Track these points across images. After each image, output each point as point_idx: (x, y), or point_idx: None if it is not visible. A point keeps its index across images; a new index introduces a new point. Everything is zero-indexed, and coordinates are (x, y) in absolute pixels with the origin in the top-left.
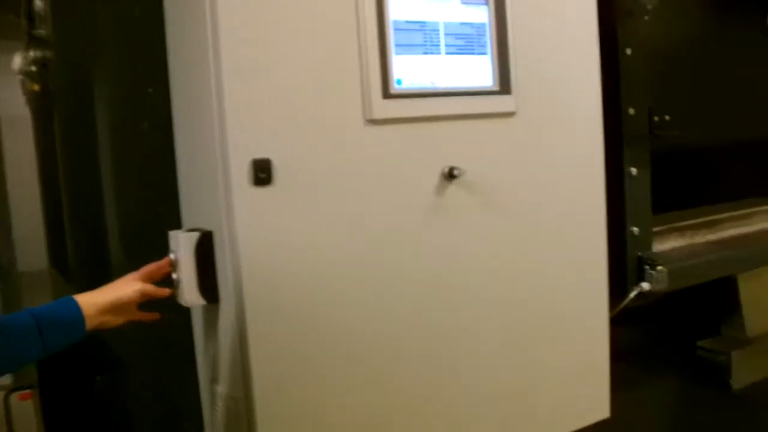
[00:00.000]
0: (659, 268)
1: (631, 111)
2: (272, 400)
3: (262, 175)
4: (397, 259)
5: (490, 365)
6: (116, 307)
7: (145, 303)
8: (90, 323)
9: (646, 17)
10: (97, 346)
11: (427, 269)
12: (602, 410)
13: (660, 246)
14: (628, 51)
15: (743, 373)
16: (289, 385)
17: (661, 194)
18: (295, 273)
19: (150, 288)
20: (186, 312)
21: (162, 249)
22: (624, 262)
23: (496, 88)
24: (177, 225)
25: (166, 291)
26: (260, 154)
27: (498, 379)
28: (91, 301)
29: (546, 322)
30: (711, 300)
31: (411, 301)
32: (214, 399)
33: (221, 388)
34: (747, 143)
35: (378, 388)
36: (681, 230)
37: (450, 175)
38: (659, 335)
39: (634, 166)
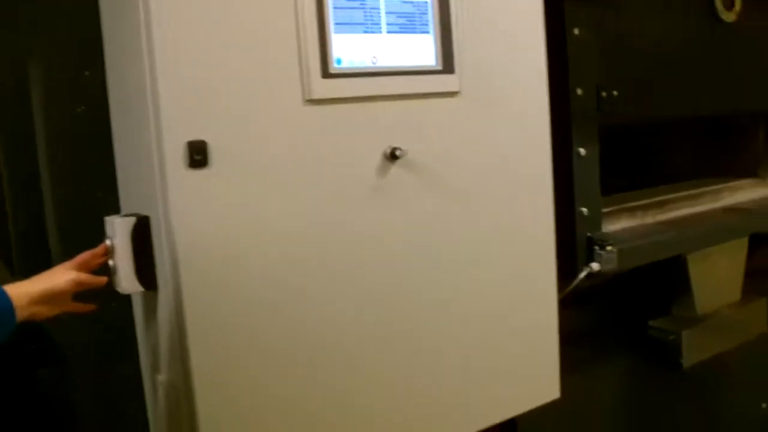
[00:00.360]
0: (609, 248)
1: (579, 91)
2: (212, 386)
3: (198, 157)
4: (338, 241)
5: (437, 348)
6: (49, 298)
7: (84, 292)
8: (21, 314)
9: None
10: (39, 338)
11: (370, 251)
12: (552, 391)
13: (611, 226)
14: (576, 31)
15: (694, 351)
16: (229, 371)
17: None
18: (234, 257)
19: (84, 277)
20: (128, 300)
21: (103, 236)
22: (574, 242)
23: (439, 67)
24: (117, 210)
25: (101, 279)
26: (195, 136)
27: (446, 362)
28: (22, 292)
29: (493, 303)
30: (662, 280)
31: (354, 284)
32: (155, 388)
33: (162, 377)
34: (695, 122)
35: (319, 372)
36: (632, 210)
37: (392, 156)
38: (611, 315)
39: (583, 147)
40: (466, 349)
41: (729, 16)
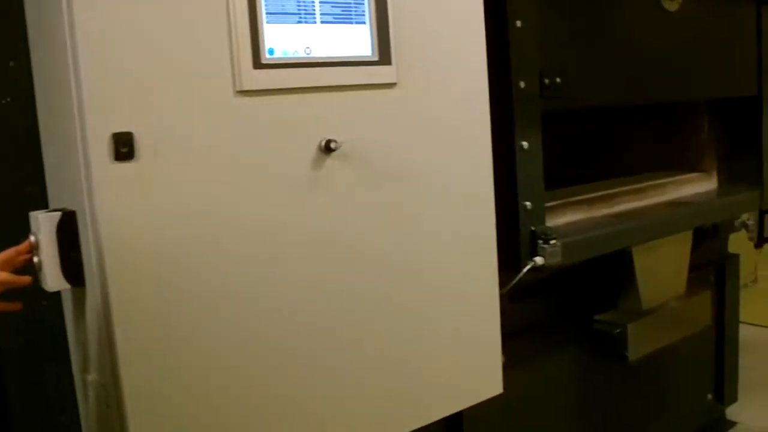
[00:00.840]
0: (552, 242)
1: (522, 84)
2: (141, 385)
3: (124, 150)
4: (272, 236)
5: (377, 344)
6: None
7: (13, 290)
8: None
9: None
10: None
11: (305, 246)
12: (495, 386)
13: (557, 220)
14: (518, 23)
15: (639, 344)
16: (159, 369)
17: (560, 169)
18: (163, 253)
19: (6, 276)
20: (59, 298)
21: None
22: (517, 236)
23: (376, 58)
24: (47, 206)
25: (25, 279)
26: (121, 128)
27: (387, 358)
28: None
29: (434, 298)
30: (608, 273)
31: (288, 279)
32: (86, 389)
33: (91, 376)
34: (642, 117)
35: (252, 369)
36: (578, 204)
37: (327, 148)
38: (559, 309)
39: (525, 140)
40: (407, 346)
41: (672, 6)
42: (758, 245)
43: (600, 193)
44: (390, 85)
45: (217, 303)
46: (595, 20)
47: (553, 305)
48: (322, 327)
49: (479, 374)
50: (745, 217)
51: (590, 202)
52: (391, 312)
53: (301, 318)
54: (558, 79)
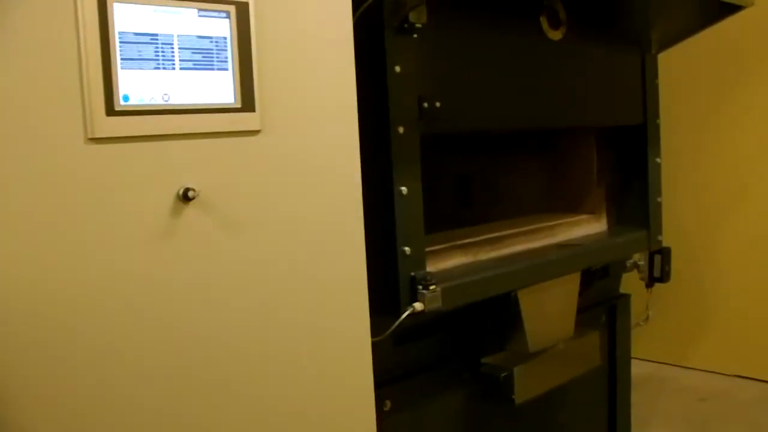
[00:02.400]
0: (432, 287)
1: (401, 129)
2: None
3: None
4: (127, 289)
5: (242, 399)
6: None
7: None
8: None
9: (415, 35)
10: None
11: (163, 298)
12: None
13: (443, 264)
14: (398, 69)
15: (525, 387)
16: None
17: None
18: (10, 310)
19: None
20: None
21: None
22: (397, 282)
23: (239, 105)
24: None
25: None
26: None
27: (252, 412)
28: None
29: (301, 347)
30: (496, 316)
31: (145, 334)
32: None
33: None
34: (537, 162)
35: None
36: (465, 247)
37: (185, 197)
38: (446, 352)
39: (405, 185)
40: (274, 398)
41: (555, 35)
42: (649, 285)
43: (489, 236)
44: (253, 132)
45: (72, 358)
46: (476, 47)
47: (440, 348)
48: (177, 383)
49: (351, 420)
50: (637, 257)
51: (479, 245)
52: (254, 365)
53: (156, 373)
54: (437, 104)
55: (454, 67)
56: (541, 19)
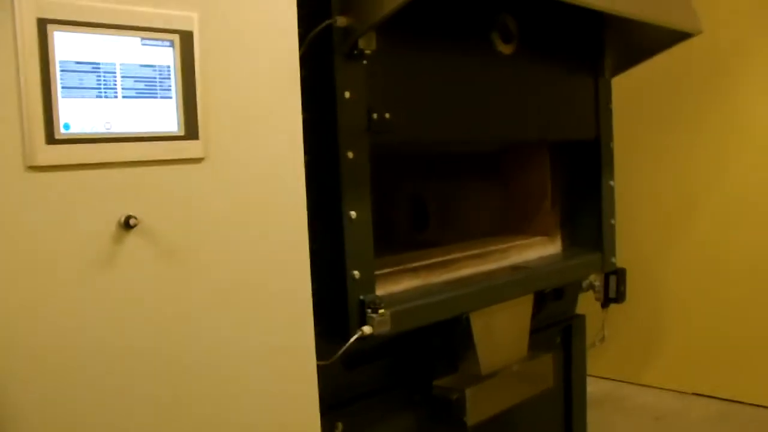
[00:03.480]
0: (381, 311)
1: (350, 155)
2: None
3: None
4: (67, 319)
5: (186, 423)
6: None
7: None
8: None
9: (365, 62)
10: None
11: (105, 327)
12: None
13: (393, 287)
14: (347, 94)
15: (478, 409)
16: None
17: (404, 234)
18: None
19: None
20: None
21: None
22: (346, 306)
23: (182, 133)
24: None
25: None
26: None
27: None
28: None
29: (246, 378)
30: (448, 338)
31: (87, 364)
32: None
33: None
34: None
35: None
36: (416, 271)
37: (126, 225)
38: (398, 374)
39: (354, 210)
40: (218, 419)
41: (506, 49)
42: (604, 305)
43: (440, 259)
44: (197, 160)
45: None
46: (427, 66)
47: (392, 371)
48: (118, 417)
49: None
50: (592, 278)
51: (430, 268)
52: (199, 386)
53: (96, 406)
54: (387, 115)
55: (405, 85)
56: (493, 34)
